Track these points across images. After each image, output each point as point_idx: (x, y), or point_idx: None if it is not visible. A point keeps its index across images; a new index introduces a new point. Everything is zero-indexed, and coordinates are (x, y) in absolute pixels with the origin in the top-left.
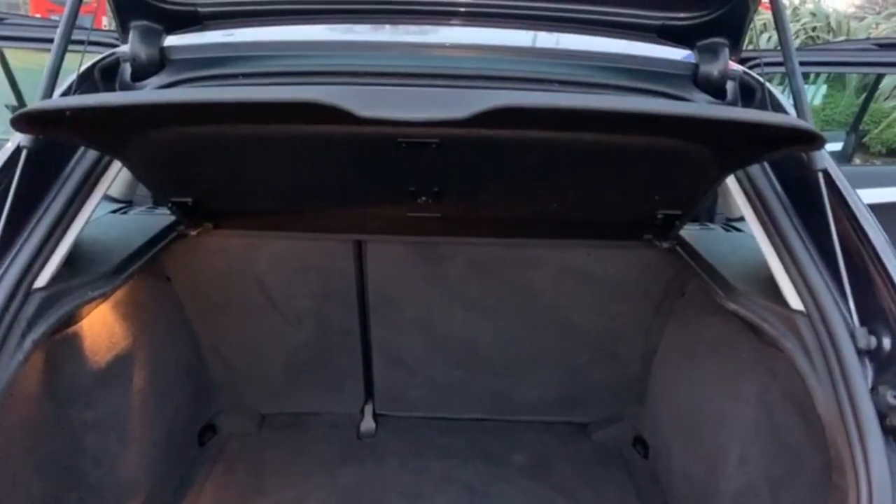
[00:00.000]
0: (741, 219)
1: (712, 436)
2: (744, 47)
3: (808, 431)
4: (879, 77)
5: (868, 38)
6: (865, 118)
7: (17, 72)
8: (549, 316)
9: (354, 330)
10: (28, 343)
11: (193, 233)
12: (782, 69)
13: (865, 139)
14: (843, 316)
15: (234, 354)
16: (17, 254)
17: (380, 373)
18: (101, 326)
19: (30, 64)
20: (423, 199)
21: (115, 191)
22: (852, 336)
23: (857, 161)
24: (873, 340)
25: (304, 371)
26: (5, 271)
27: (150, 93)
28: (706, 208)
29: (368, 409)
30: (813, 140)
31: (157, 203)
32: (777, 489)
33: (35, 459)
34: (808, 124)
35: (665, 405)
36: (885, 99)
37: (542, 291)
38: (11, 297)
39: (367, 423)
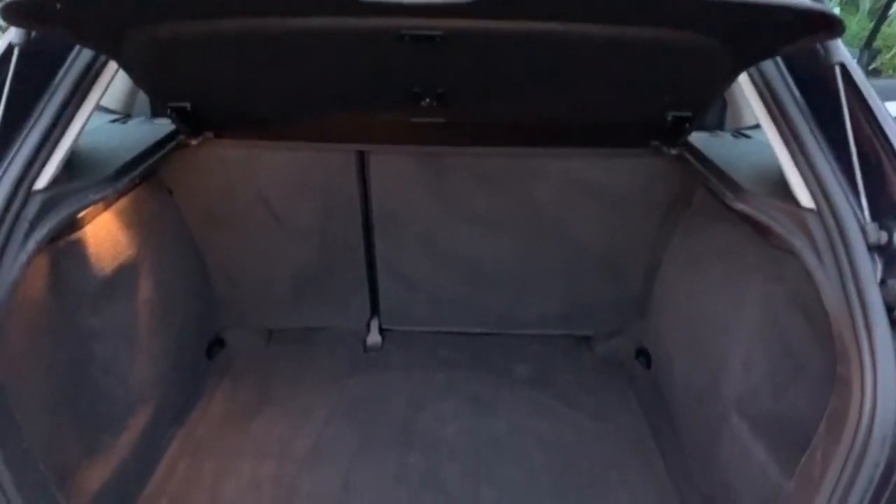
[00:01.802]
0: (752, 127)
1: (716, 343)
2: None
3: (814, 332)
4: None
5: None
6: (877, 43)
7: None
8: (553, 229)
9: (359, 246)
10: (31, 244)
11: (194, 142)
12: None
13: (878, 64)
14: (854, 211)
15: (238, 270)
16: (14, 155)
17: (385, 288)
18: (105, 234)
19: None
20: (427, 101)
21: (113, 102)
22: (863, 231)
23: None
24: (884, 235)
25: (309, 287)
26: (4, 172)
27: None
28: (716, 117)
29: (374, 324)
30: (831, 26)
31: (155, 113)
32: (780, 390)
33: (45, 363)
34: (826, 7)
35: (668, 316)
36: None
37: (547, 204)
38: (12, 197)
39: (374, 337)
